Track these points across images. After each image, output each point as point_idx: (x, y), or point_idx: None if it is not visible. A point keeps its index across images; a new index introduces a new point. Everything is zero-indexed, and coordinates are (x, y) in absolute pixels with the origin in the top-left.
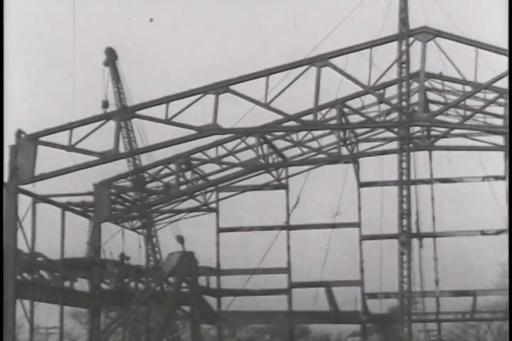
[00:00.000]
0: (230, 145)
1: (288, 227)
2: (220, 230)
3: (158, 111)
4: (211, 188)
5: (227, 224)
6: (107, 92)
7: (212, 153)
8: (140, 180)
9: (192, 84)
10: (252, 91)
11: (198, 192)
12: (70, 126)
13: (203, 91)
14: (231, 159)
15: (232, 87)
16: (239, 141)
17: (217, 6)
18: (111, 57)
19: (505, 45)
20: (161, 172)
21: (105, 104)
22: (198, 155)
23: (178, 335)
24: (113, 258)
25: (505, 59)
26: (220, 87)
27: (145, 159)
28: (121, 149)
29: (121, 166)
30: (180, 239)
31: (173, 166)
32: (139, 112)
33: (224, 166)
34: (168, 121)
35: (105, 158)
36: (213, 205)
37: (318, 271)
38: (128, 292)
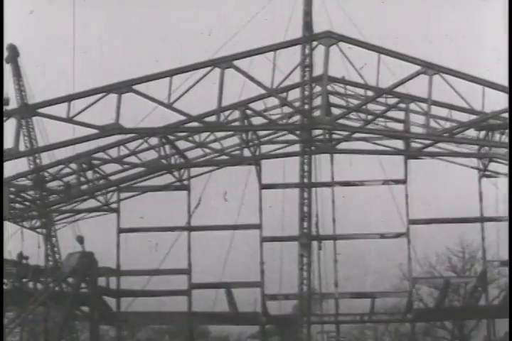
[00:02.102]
0: (132, 145)
1: (189, 228)
2: (120, 230)
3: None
4: (112, 188)
5: (128, 224)
6: (8, 90)
7: (114, 152)
8: (40, 179)
9: (99, 83)
10: (161, 91)
11: (99, 192)
12: None
13: (106, 90)
14: (133, 159)
15: (139, 87)
16: (141, 141)
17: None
18: (12, 54)
19: (407, 52)
20: (62, 171)
21: (6, 102)
22: (100, 154)
23: (76, 336)
24: (11, 258)
25: (407, 65)
26: (123, 87)
27: (46, 158)
28: (22, 147)
29: (21, 164)
30: (80, 239)
31: (74, 165)
32: (40, 110)
33: (126, 166)
34: (69, 120)
35: (5, 156)
36: (114, 205)
37: (219, 273)
38: (26, 292)
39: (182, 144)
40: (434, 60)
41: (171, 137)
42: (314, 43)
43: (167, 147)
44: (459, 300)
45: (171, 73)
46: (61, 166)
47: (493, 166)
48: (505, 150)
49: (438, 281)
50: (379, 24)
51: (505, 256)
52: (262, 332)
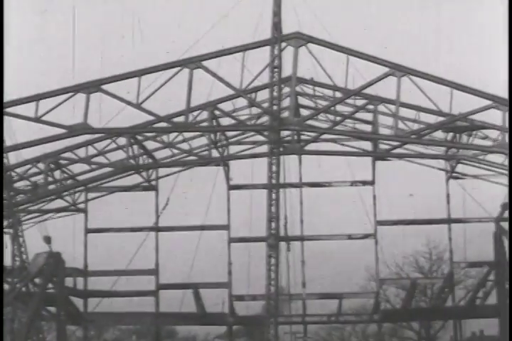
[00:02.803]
0: (100, 146)
1: (157, 229)
2: (88, 231)
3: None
4: (80, 188)
5: (96, 224)
6: None
7: (82, 152)
8: (7, 179)
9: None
10: (132, 91)
11: (66, 192)
12: None
13: (75, 90)
14: (101, 159)
15: (109, 87)
16: (109, 141)
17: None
18: None
19: (375, 53)
20: (29, 171)
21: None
22: (68, 154)
23: (43, 336)
24: None
25: (375, 66)
26: (92, 87)
27: (13, 157)
28: None
29: None
30: (48, 240)
31: (41, 165)
32: (7, 110)
33: (93, 166)
34: (37, 120)
35: None
36: (82, 206)
37: (187, 273)
38: None
39: (150, 144)
40: (406, 61)
41: (139, 137)
42: (283, 44)
43: (135, 147)
44: (426, 301)
45: (139, 73)
46: (28, 166)
47: (460, 168)
48: (472, 152)
49: (405, 282)
50: (349, 26)
51: (472, 258)
52: (229, 333)
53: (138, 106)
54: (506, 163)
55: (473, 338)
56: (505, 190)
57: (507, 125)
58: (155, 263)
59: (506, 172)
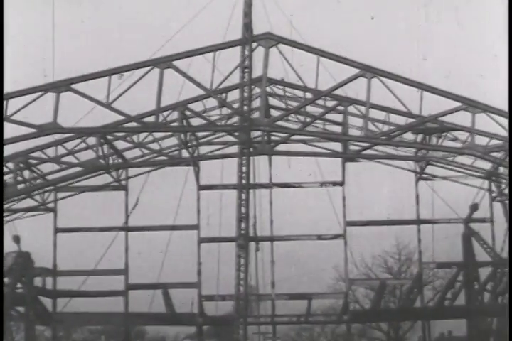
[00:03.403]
0: (70, 145)
1: (126, 229)
2: (57, 230)
3: None
4: (49, 188)
5: (66, 224)
6: None
7: (51, 152)
8: None
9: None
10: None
11: (35, 192)
12: None
13: (44, 89)
14: (71, 159)
15: (79, 86)
16: (79, 140)
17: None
18: None
19: (345, 54)
20: None
21: None
22: (37, 154)
23: (11, 337)
24: None
25: (345, 67)
26: (62, 86)
27: None
28: None
29: None
30: (16, 239)
31: (10, 165)
32: None
33: (63, 166)
34: (6, 119)
35: None
36: (51, 205)
37: (156, 273)
38: None
39: (120, 144)
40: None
41: (109, 137)
42: (254, 45)
43: (105, 147)
44: (395, 301)
45: (109, 73)
46: None
47: (429, 169)
48: (441, 154)
49: (374, 283)
50: (323, 27)
51: (441, 258)
52: (198, 333)
53: (108, 105)
54: (476, 164)
55: (441, 339)
56: (474, 191)
57: (476, 127)
58: (124, 263)
59: (476, 173)
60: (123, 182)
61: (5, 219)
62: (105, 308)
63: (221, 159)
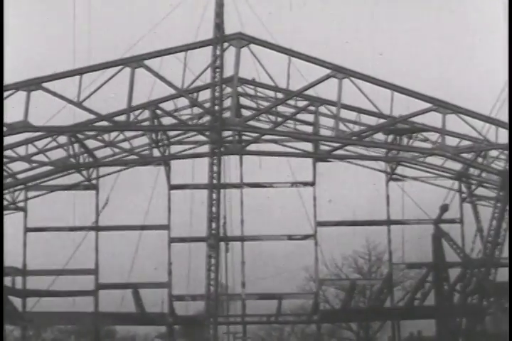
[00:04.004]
0: (40, 144)
1: (96, 228)
2: (27, 230)
3: None
4: (20, 187)
5: (36, 223)
6: None
7: (21, 150)
8: None
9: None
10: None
11: (6, 191)
12: None
13: (14, 87)
14: (41, 158)
15: (51, 85)
16: (50, 139)
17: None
18: None
19: (318, 55)
20: None
21: None
22: (8, 152)
23: None
24: None
25: (316, 68)
26: (32, 84)
27: None
28: None
29: None
30: None
31: None
32: None
33: (34, 165)
34: None
35: None
36: (21, 204)
37: (127, 273)
38: None
39: (91, 143)
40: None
41: (80, 136)
42: (225, 45)
43: (76, 146)
44: (365, 301)
45: (80, 71)
46: None
47: (400, 170)
48: (412, 154)
49: (344, 283)
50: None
51: (411, 259)
52: (169, 333)
53: (79, 104)
54: (446, 165)
55: (411, 339)
56: (444, 192)
57: (446, 127)
58: (94, 263)
59: (446, 174)
60: (94, 182)
61: None
62: (75, 308)
63: (192, 158)
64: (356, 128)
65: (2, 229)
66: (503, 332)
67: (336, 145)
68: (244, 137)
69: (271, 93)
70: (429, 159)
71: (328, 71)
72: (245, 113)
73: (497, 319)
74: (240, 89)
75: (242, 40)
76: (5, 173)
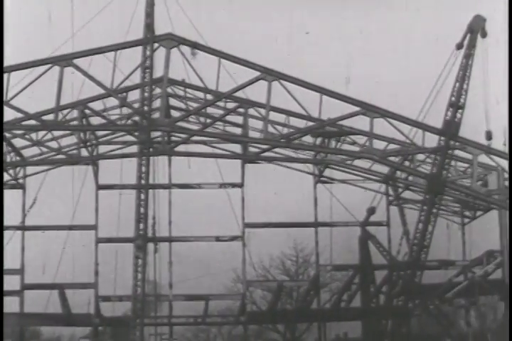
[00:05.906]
0: None
1: (23, 228)
2: None
3: None
4: None
5: None
6: None
7: None
8: None
9: None
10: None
11: None
12: None
13: None
14: None
15: None
16: None
17: None
18: None
19: (247, 57)
20: None
21: None
22: None
23: None
24: None
25: (246, 69)
26: None
27: None
28: None
29: None
30: None
31: None
32: None
33: None
34: None
35: None
36: None
37: (53, 273)
38: None
39: (18, 142)
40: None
41: (7, 134)
42: (155, 45)
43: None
44: (292, 303)
45: (8, 69)
46: None
47: (328, 172)
48: (340, 157)
49: (271, 284)
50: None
51: (338, 261)
52: (94, 334)
53: (6, 103)
54: (373, 168)
55: (337, 340)
56: (371, 195)
57: (374, 131)
58: (20, 263)
59: (373, 177)
60: (20, 181)
61: None
62: None
63: (120, 159)
64: (285, 130)
65: (2, 229)
66: (428, 334)
67: (265, 147)
68: (173, 138)
69: (201, 94)
70: (357, 162)
71: (258, 73)
72: (175, 114)
73: (422, 321)
74: (169, 89)
75: (172, 40)
76: None
